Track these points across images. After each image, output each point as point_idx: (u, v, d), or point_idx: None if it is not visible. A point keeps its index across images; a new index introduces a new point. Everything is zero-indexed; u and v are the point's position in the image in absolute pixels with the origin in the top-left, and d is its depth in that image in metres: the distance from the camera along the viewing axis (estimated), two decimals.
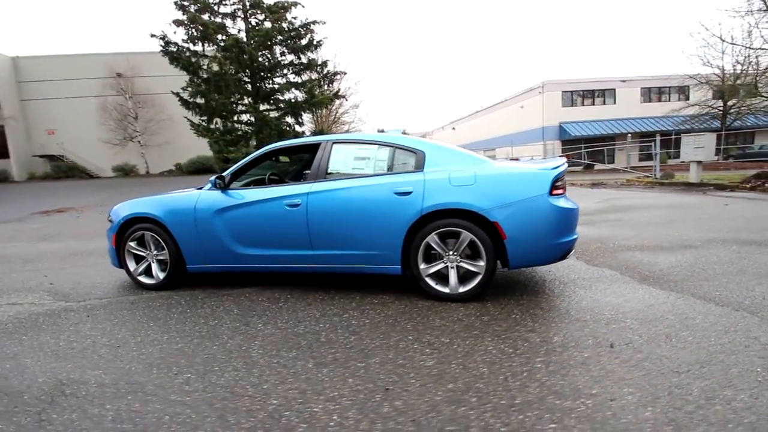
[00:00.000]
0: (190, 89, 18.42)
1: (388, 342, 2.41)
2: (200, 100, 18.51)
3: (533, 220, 2.83)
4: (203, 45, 18.18)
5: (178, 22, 17.25)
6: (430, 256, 3.03)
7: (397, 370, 2.07)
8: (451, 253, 2.97)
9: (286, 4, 19.02)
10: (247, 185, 3.76)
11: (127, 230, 3.70)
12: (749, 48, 15.30)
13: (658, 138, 13.85)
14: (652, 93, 29.28)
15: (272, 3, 19.05)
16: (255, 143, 19.32)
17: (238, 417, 1.74)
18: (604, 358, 2.11)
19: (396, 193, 2.99)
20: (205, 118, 19.34)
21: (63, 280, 4.34)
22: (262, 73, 19.95)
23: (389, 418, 1.68)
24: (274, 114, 19.95)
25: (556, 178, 2.85)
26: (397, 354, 2.25)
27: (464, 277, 2.99)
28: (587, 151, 23.81)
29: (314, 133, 22.37)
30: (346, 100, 24.76)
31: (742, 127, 22.80)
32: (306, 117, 23.71)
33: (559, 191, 2.89)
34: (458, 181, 2.91)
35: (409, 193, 2.96)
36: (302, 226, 3.19)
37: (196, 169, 26.65)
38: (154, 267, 3.70)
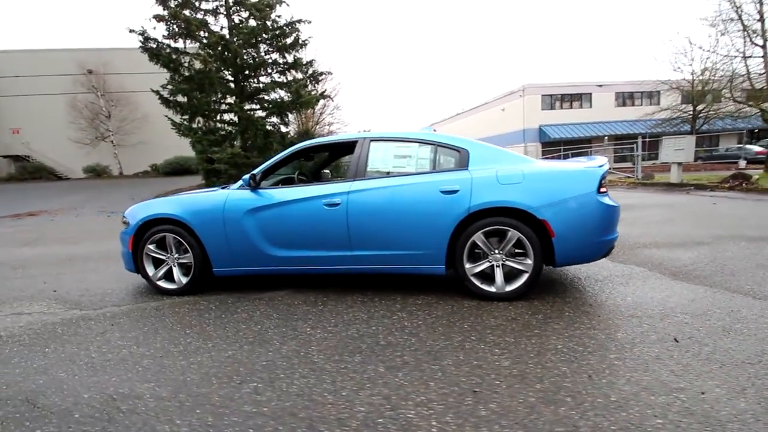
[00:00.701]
0: (171, 87, 17.79)
1: (451, 343, 2.35)
2: (182, 99, 17.91)
3: (581, 217, 2.84)
4: (185, 42, 17.59)
5: (159, 18, 16.61)
6: (475, 255, 3.00)
7: (475, 372, 2.01)
8: (496, 251, 2.94)
9: (271, 2, 18.67)
10: (275, 185, 3.62)
11: (145, 233, 3.48)
12: (714, 52, 16.06)
13: (640, 140, 14.40)
14: (626, 97, 30.50)
15: (256, 0, 18.65)
16: (240, 143, 18.86)
17: (331, 427, 1.64)
18: (675, 353, 2.12)
19: (442, 192, 2.94)
20: (186, 117, 18.71)
21: (66, 286, 4.05)
22: (247, 72, 19.50)
23: (491, 421, 1.63)
24: (259, 114, 19.54)
25: (603, 176, 2.88)
26: (468, 355, 2.19)
27: (508, 275, 2.97)
28: (566, 153, 24.53)
29: (300, 135, 22.05)
30: (332, 100, 24.54)
31: (709, 131, 24.04)
32: (290, 117, 23.38)
33: (604, 189, 2.92)
34: (506, 179, 2.88)
35: (456, 191, 2.92)
36: (341, 226, 3.09)
37: (173, 170, 25.77)
38: (176, 271, 3.50)
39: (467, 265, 2.98)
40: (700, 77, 22.22)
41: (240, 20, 18.64)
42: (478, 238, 2.93)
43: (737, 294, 2.94)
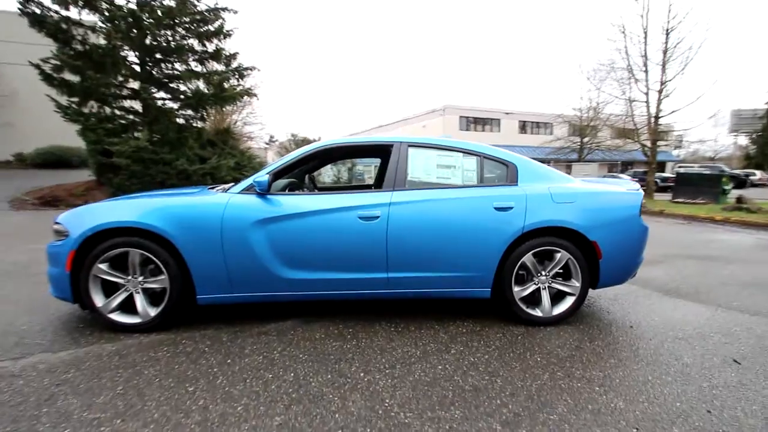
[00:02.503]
0: (56, 62, 14.75)
1: (542, 382, 2.06)
2: (72, 77, 14.95)
3: (626, 239, 2.82)
4: (80, 11, 14.74)
5: None
6: (519, 278, 2.78)
7: (601, 419, 1.75)
8: (542, 273, 2.77)
9: None
10: (282, 190, 2.97)
11: (95, 247, 2.53)
12: (603, 92, 18.85)
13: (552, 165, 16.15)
14: (527, 126, 34.39)
15: None
16: (146, 136, 16.41)
17: None
18: (750, 375, 2.14)
19: (496, 208, 2.67)
20: (76, 99, 15.69)
21: None
22: (158, 56, 17.14)
23: None
24: (171, 105, 17.23)
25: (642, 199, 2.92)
26: (573, 396, 1.92)
27: (551, 299, 2.82)
28: None
29: (218, 133, 20.06)
30: (258, 98, 22.87)
31: (593, 160, 28.32)
32: (207, 112, 21.19)
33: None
34: (561, 197, 2.73)
35: (511, 208, 2.67)
36: (379, 243, 2.61)
37: (45, 162, 21.23)
38: (140, 300, 2.61)
39: (515, 289, 2.74)
40: (587, 114, 26.03)
41: None
42: (528, 259, 2.72)
43: (739, 312, 3.19)
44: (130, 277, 2.60)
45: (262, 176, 2.58)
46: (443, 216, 2.65)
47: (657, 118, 15.02)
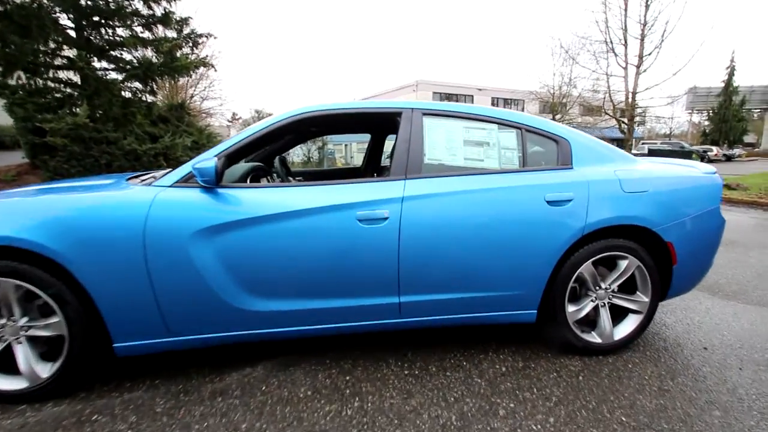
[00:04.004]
0: None
1: None
2: None
3: (704, 238, 2.17)
4: None
5: None
6: (572, 294, 2.08)
7: None
8: (602, 286, 2.08)
9: None
10: (241, 180, 2.07)
11: None
12: (573, 60, 18.48)
13: None
14: (499, 103, 33.95)
15: None
16: (86, 111, 14.56)
17: None
18: None
19: (549, 202, 1.91)
20: None
21: None
22: (96, 19, 15.06)
23: None
24: (115, 76, 15.30)
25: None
26: None
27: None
28: None
29: (172, 108, 18.15)
30: (215, 69, 20.94)
31: None
32: (158, 85, 19.23)
33: None
34: (632, 185, 2.01)
35: (568, 201, 1.93)
36: (388, 256, 1.80)
37: None
38: (24, 353, 1.70)
39: (570, 309, 2.04)
40: (559, 90, 25.82)
41: None
42: (587, 269, 2.02)
43: None
44: (4, 321, 1.67)
45: (207, 161, 1.67)
46: (477, 214, 1.87)
47: (635, 93, 14.82)
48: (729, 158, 31.27)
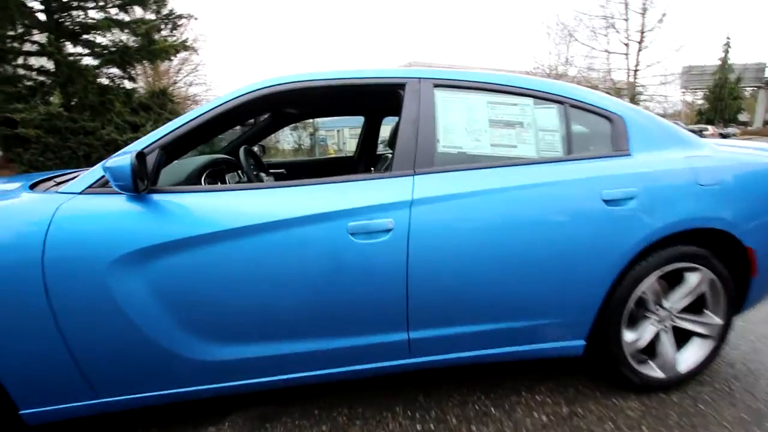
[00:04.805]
0: None
1: None
2: None
3: None
4: None
5: None
6: (629, 317, 1.62)
7: None
8: (665, 306, 1.63)
9: None
10: (193, 181, 1.56)
11: None
12: (571, 36, 17.87)
13: None
14: None
15: None
16: (60, 100, 13.81)
17: None
18: None
19: (606, 201, 1.43)
20: None
21: None
22: (66, 0, 14.13)
23: None
24: (89, 61, 14.42)
25: None
26: None
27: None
28: None
29: (153, 96, 17.35)
30: (197, 53, 20.03)
31: None
32: (138, 71, 18.37)
33: None
34: (708, 176, 1.53)
35: (630, 199, 1.45)
36: (392, 280, 1.32)
37: None
38: None
39: (627, 337, 1.58)
40: (555, 70, 25.22)
41: None
42: (650, 286, 1.55)
43: None
44: None
45: (122, 157, 1.14)
46: (512, 221, 1.39)
47: (636, 71, 14.28)
48: (725, 137, 31.08)
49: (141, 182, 1.15)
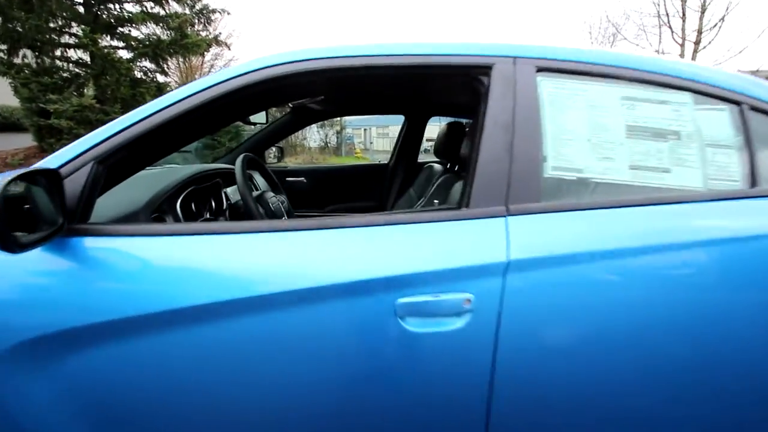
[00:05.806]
0: None
1: None
2: None
3: None
4: None
5: None
6: None
7: None
8: None
9: None
10: (159, 211, 1.06)
11: None
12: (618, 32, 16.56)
13: None
14: None
15: None
16: (94, 92, 13.96)
17: None
18: None
19: None
20: (4, 47, 13.13)
21: None
22: None
23: None
24: (123, 54, 14.57)
25: None
26: None
27: None
28: None
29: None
30: (229, 48, 20.07)
31: None
32: (171, 65, 18.60)
33: None
34: None
35: None
36: (469, 385, 0.78)
37: None
38: None
39: None
40: None
41: None
42: None
43: None
44: None
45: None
46: (675, 298, 0.82)
47: None
48: None
49: (45, 223, 0.67)
